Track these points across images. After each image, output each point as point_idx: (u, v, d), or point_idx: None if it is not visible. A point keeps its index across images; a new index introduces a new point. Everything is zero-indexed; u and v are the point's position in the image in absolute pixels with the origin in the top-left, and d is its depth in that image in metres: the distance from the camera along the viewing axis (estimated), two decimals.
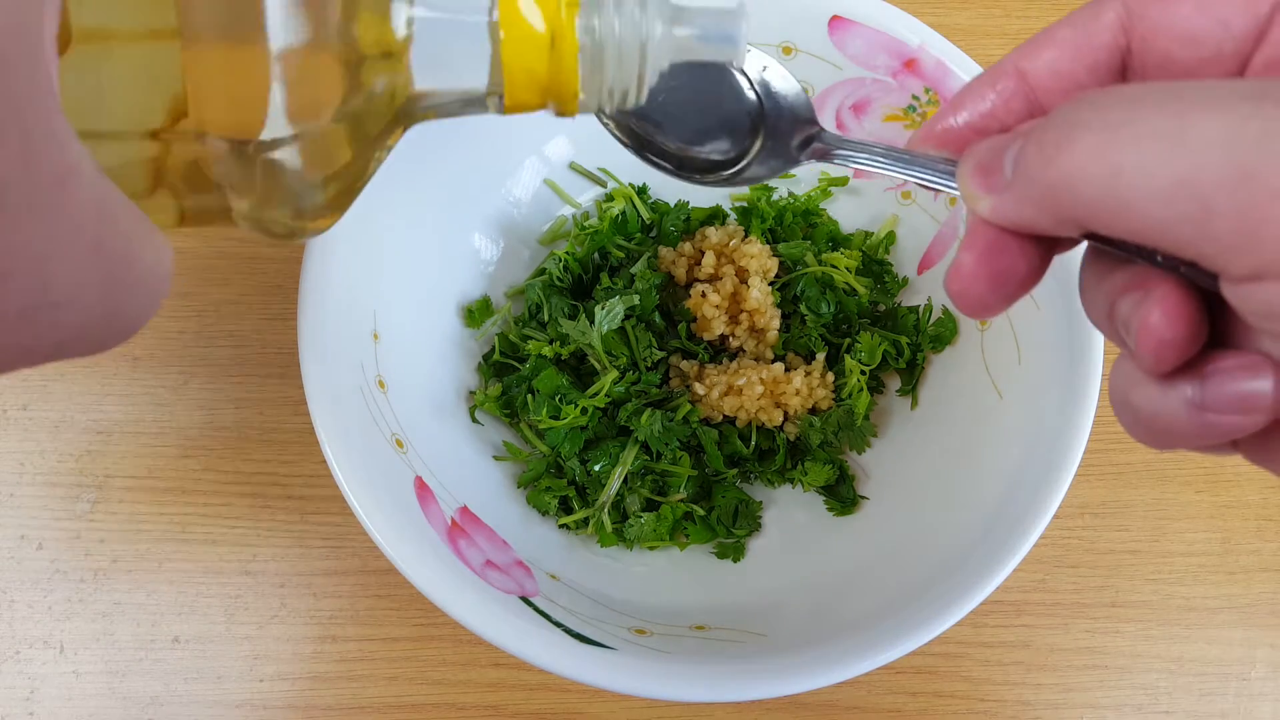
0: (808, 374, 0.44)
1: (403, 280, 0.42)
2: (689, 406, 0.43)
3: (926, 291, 0.46)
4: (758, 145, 0.30)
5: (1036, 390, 0.39)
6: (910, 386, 0.45)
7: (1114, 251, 0.21)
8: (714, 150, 0.31)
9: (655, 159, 0.31)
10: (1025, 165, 0.20)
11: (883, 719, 0.44)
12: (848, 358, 0.45)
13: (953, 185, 0.24)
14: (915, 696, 0.44)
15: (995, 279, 0.22)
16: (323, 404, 0.36)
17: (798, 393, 0.44)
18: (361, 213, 0.40)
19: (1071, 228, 0.20)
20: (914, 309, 0.46)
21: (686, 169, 0.31)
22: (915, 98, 0.44)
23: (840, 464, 0.44)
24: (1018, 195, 0.21)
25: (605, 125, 0.31)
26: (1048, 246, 0.23)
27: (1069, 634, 0.45)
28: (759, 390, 0.43)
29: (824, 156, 0.29)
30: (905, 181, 0.27)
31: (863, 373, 0.44)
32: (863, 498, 0.44)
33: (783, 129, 0.30)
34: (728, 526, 0.43)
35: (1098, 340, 0.37)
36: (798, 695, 0.39)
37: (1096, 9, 0.24)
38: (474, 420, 0.44)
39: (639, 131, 0.31)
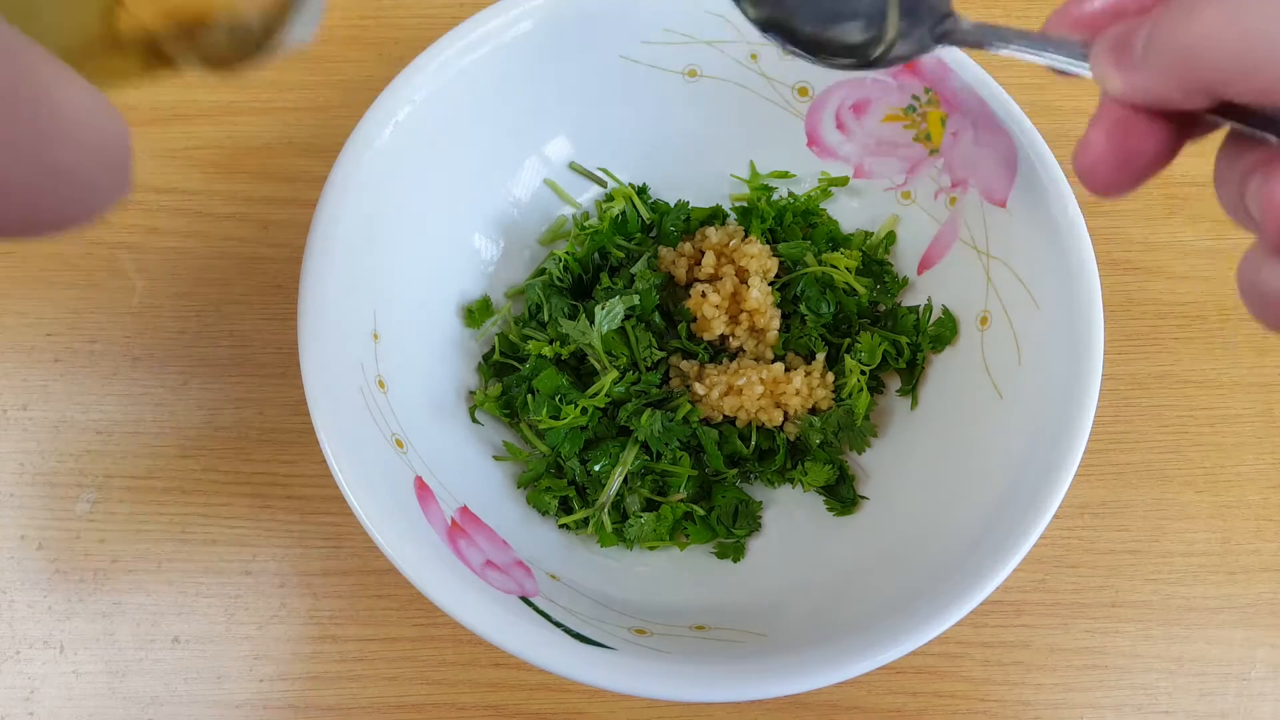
0: (808, 374, 0.44)
1: (403, 280, 0.42)
2: (689, 406, 0.43)
3: (926, 291, 0.46)
4: (892, 31, 0.31)
5: (1036, 390, 0.39)
6: (910, 386, 0.45)
7: (1249, 131, 0.21)
8: (847, 33, 0.32)
9: (787, 43, 0.32)
10: (1156, 37, 0.21)
11: (883, 719, 0.44)
12: (848, 358, 0.45)
13: (1085, 67, 0.25)
14: (915, 696, 0.44)
15: (1124, 158, 0.23)
16: (323, 404, 0.36)
17: (798, 393, 0.44)
18: (362, 213, 0.40)
19: (1202, 98, 0.21)
20: (914, 309, 0.46)
21: (821, 52, 0.32)
22: (915, 98, 0.44)
23: (840, 464, 0.44)
24: (1149, 70, 0.21)
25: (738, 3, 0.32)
26: (1178, 128, 0.23)
27: (1069, 634, 0.45)
28: (759, 390, 0.43)
29: (960, 41, 0.30)
30: (1040, 64, 0.28)
31: (863, 373, 0.44)
32: (863, 498, 0.44)
33: (918, 14, 0.31)
34: (728, 526, 0.43)
35: (1098, 340, 0.37)
36: (798, 695, 0.39)
37: None
38: (474, 420, 0.44)
39: (771, 15, 0.32)
